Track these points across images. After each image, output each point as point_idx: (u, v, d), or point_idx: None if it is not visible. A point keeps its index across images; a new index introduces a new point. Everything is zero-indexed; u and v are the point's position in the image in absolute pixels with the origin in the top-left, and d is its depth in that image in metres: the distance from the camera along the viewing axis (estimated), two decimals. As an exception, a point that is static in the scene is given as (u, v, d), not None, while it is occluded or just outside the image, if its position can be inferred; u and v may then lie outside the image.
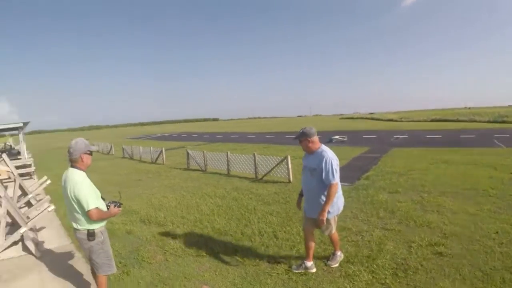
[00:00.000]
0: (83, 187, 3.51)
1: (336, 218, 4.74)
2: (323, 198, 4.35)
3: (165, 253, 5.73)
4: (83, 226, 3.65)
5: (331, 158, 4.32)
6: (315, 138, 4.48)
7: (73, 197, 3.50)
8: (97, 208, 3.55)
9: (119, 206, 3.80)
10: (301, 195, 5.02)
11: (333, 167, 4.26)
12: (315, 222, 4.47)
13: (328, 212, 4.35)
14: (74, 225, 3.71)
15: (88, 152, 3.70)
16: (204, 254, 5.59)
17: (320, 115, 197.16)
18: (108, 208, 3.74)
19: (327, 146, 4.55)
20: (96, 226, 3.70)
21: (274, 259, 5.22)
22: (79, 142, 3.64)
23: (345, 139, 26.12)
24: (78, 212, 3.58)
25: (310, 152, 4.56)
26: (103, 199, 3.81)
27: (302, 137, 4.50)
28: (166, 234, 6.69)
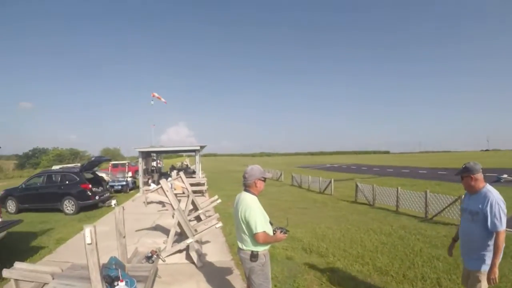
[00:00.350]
0: (254, 211, 3.78)
1: None
2: (488, 248, 3.65)
3: (321, 284, 5.75)
4: (248, 247, 3.91)
5: (498, 199, 3.61)
6: (480, 176, 3.79)
7: (243, 219, 3.82)
8: (264, 231, 3.78)
9: (285, 233, 3.94)
10: (454, 240, 4.45)
11: (501, 211, 3.56)
12: (474, 276, 3.79)
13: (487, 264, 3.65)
14: (240, 244, 4.02)
15: (262, 179, 4.01)
16: (359, 288, 5.43)
17: (499, 150, 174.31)
18: (274, 233, 3.93)
19: (492, 186, 3.99)
20: (260, 249, 3.91)
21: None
22: (255, 169, 3.98)
23: None
24: (245, 233, 3.88)
25: (472, 191, 3.87)
26: (271, 223, 4.04)
27: (464, 173, 3.86)
28: (326, 265, 6.71)
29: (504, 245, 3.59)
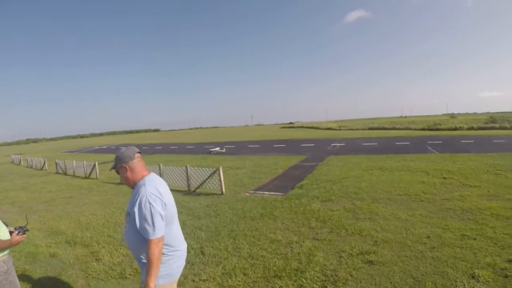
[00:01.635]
0: None
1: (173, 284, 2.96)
2: (144, 258, 2.76)
3: (87, 277, 5.48)
4: None
5: (151, 195, 2.71)
6: (135, 164, 2.95)
7: None
8: None
9: (23, 233, 3.50)
10: None
11: (153, 212, 2.65)
12: None
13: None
14: None
15: None
16: (128, 275, 5.40)
17: (262, 125, 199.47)
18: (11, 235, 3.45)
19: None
20: None
21: (199, 277, 5.14)
22: None
23: (223, 151, 26.98)
24: None
25: (131, 185, 2.98)
26: (6, 224, 3.54)
27: (117, 164, 3.00)
28: (90, 255, 6.43)
29: (161, 259, 2.69)
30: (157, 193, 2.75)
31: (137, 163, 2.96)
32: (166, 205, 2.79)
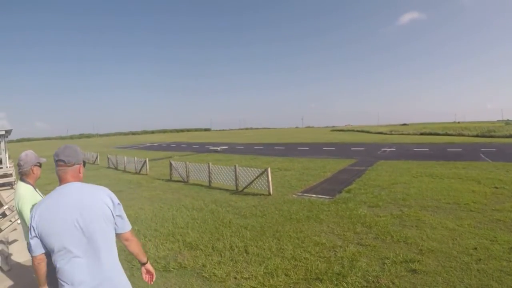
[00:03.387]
0: (26, 202, 3.25)
1: None
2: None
3: (132, 267, 5.55)
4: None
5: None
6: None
7: (18, 211, 3.33)
8: None
9: None
10: None
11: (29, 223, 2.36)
12: None
13: None
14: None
15: (38, 164, 3.51)
16: (172, 269, 5.44)
17: (312, 127, 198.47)
18: None
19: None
20: None
21: (241, 275, 5.09)
22: (29, 155, 3.43)
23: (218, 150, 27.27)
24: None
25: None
26: None
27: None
28: (137, 248, 6.50)
29: (41, 279, 2.50)
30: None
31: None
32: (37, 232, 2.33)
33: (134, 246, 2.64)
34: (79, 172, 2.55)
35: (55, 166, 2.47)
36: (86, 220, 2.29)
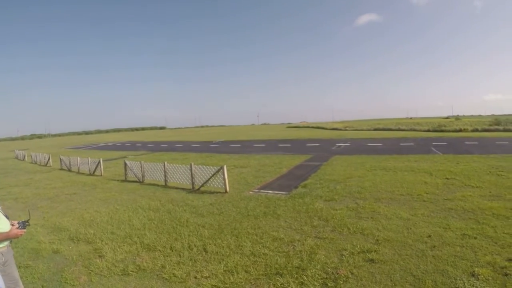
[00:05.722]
0: None
1: None
2: None
3: (90, 273, 5.53)
4: None
5: None
6: None
7: None
8: None
9: (23, 227, 3.54)
10: None
11: None
12: None
13: None
14: None
15: None
16: (130, 272, 5.44)
17: (268, 124, 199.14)
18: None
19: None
20: None
21: (201, 274, 5.18)
22: None
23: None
24: None
25: None
26: (7, 217, 3.56)
27: None
28: (94, 252, 6.47)
29: None
30: None
31: None
32: None
33: None
34: None
35: None
36: None
